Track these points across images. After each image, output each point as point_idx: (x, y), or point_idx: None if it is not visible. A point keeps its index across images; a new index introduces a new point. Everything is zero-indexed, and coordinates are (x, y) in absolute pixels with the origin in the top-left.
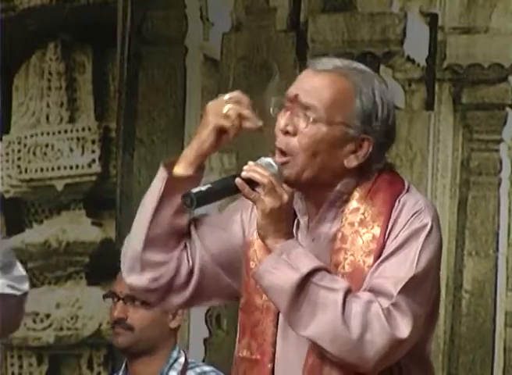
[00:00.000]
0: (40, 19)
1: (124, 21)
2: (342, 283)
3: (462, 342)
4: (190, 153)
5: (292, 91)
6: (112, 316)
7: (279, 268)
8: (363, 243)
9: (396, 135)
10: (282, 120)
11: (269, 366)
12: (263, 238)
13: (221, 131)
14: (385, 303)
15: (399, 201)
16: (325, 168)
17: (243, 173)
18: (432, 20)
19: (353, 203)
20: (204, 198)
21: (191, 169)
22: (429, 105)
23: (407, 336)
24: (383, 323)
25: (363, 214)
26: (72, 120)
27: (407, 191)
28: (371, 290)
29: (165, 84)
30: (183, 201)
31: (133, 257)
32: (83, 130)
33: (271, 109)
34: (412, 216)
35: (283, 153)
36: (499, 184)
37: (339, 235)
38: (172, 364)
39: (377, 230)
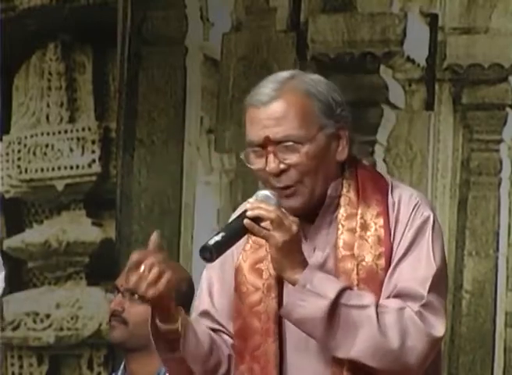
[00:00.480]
0: (40, 20)
1: (124, 21)
2: (369, 298)
3: (462, 342)
4: (159, 319)
5: (258, 134)
6: (110, 308)
7: (307, 300)
8: (370, 247)
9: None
10: (270, 164)
11: None
12: (280, 272)
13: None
14: (416, 306)
15: (392, 197)
16: (327, 174)
17: (249, 213)
18: (432, 20)
19: (347, 208)
20: (221, 247)
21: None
22: (429, 106)
23: (443, 333)
24: (420, 327)
25: (362, 218)
26: (72, 120)
27: (393, 185)
28: (397, 295)
29: (165, 84)
30: (201, 255)
31: None
32: (84, 130)
33: (246, 162)
34: (412, 211)
35: (286, 188)
36: (500, 184)
37: (341, 243)
38: None
39: (381, 232)
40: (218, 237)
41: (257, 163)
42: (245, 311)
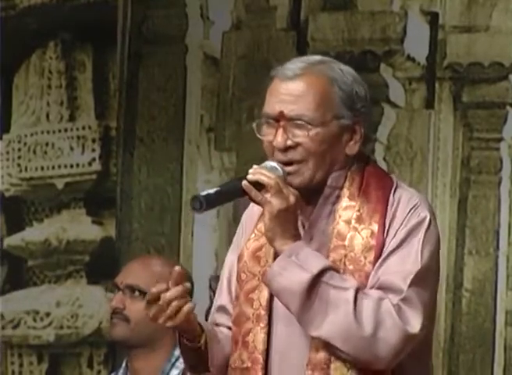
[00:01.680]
0: (40, 18)
1: (124, 20)
2: (352, 282)
3: (462, 341)
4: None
5: (274, 107)
6: (110, 305)
7: (289, 270)
8: (362, 239)
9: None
10: (278, 138)
11: (260, 373)
12: (271, 240)
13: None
14: (395, 299)
15: (393, 196)
16: (333, 163)
17: (249, 176)
18: (433, 19)
19: (346, 200)
20: (212, 201)
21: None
22: (429, 104)
23: (419, 330)
24: (395, 320)
25: (358, 211)
26: (72, 119)
27: (397, 185)
28: (379, 287)
29: (166, 83)
30: (191, 204)
31: None
32: (84, 128)
33: (255, 132)
34: (409, 211)
35: (289, 164)
36: (500, 183)
37: (335, 232)
38: (175, 363)
39: (375, 227)
40: (211, 191)
41: (267, 135)
42: (242, 298)
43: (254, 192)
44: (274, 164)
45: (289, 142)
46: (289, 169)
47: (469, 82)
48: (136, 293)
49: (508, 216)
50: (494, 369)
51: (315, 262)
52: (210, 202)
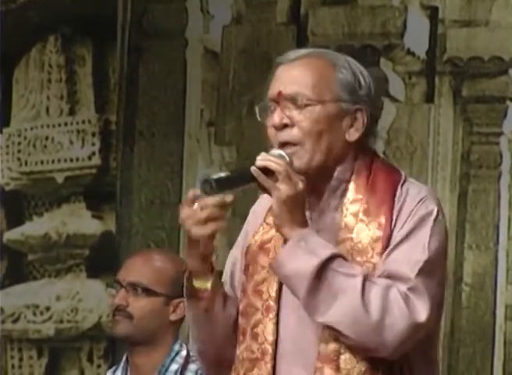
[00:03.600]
0: (40, 12)
1: (124, 14)
2: (360, 269)
3: (462, 335)
4: (193, 264)
5: (274, 89)
6: (113, 303)
7: (298, 255)
8: (369, 231)
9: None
10: (275, 117)
11: (270, 364)
12: (279, 227)
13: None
14: (403, 287)
15: (401, 189)
16: (332, 148)
17: (258, 162)
18: (433, 13)
19: (354, 193)
20: (223, 185)
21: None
22: (429, 98)
23: (425, 319)
24: (402, 308)
25: (366, 203)
26: (72, 113)
27: (405, 179)
28: (387, 276)
29: (166, 77)
30: (201, 187)
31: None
32: (84, 122)
33: (257, 116)
34: (417, 203)
35: (288, 145)
36: (500, 177)
37: (342, 225)
38: (174, 357)
39: (382, 219)
40: (222, 174)
41: (268, 119)
42: (250, 289)
43: (262, 177)
44: (281, 152)
45: (285, 120)
46: (287, 151)
47: (469, 76)
48: (140, 290)
49: (508, 210)
50: (494, 363)
51: (324, 249)
52: (220, 186)
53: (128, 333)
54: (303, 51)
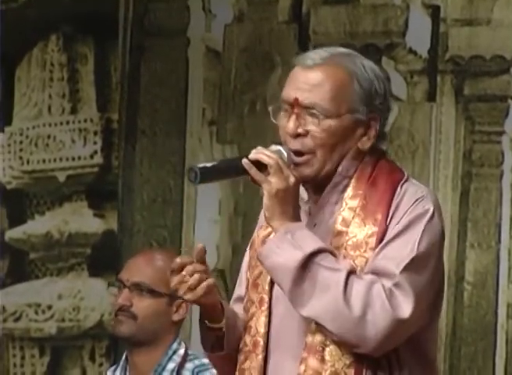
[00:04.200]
0: (42, 11)
1: (126, 12)
2: (345, 264)
3: (464, 334)
4: (204, 313)
5: (290, 93)
6: (115, 302)
7: (283, 248)
8: (365, 226)
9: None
10: (290, 124)
11: (261, 356)
12: (268, 220)
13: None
14: (388, 283)
15: (400, 188)
16: (343, 157)
17: (251, 155)
18: (434, 12)
19: (354, 189)
20: (208, 175)
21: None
22: (431, 97)
23: (409, 316)
24: (385, 303)
25: (365, 199)
26: (74, 111)
27: (407, 179)
28: (373, 271)
29: (167, 76)
30: (187, 175)
31: None
32: (85, 121)
33: (272, 117)
34: (414, 202)
35: (300, 153)
36: (501, 176)
37: (340, 219)
38: (172, 356)
39: (379, 215)
40: (208, 164)
41: (281, 120)
42: (250, 284)
43: (253, 170)
44: (280, 148)
45: (299, 130)
46: (299, 159)
47: (471, 75)
48: (144, 291)
49: (510, 209)
50: (496, 362)
51: (310, 243)
52: (205, 175)
53: (131, 333)
54: (322, 54)
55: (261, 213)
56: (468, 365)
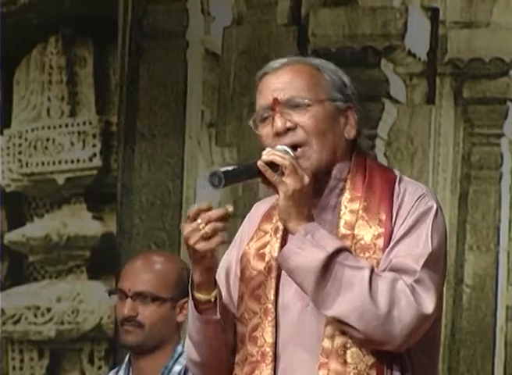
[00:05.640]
0: (41, 13)
1: (125, 15)
2: (366, 262)
3: (463, 336)
4: (198, 278)
5: (266, 98)
6: (120, 313)
7: (305, 248)
8: (371, 228)
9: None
10: (277, 123)
11: (270, 366)
12: (285, 221)
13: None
14: (409, 280)
15: (399, 187)
16: (335, 147)
17: (264, 157)
18: (434, 15)
19: (351, 192)
20: (230, 178)
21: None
22: (430, 100)
23: (432, 311)
24: (410, 300)
25: (365, 201)
26: (73, 114)
27: (401, 177)
28: (392, 269)
29: (166, 78)
30: (209, 180)
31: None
32: (84, 124)
33: (253, 128)
34: (417, 200)
35: (294, 147)
36: (500, 178)
37: (342, 222)
38: (177, 358)
39: (383, 216)
40: (229, 168)
41: (265, 128)
42: (247, 295)
43: (269, 171)
44: (285, 147)
45: (288, 124)
46: (295, 153)
47: (470, 78)
48: (148, 299)
49: (509, 211)
50: (495, 365)
51: (331, 242)
52: (228, 179)
53: (139, 341)
54: (282, 60)
55: (245, 224)
56: (467, 367)
